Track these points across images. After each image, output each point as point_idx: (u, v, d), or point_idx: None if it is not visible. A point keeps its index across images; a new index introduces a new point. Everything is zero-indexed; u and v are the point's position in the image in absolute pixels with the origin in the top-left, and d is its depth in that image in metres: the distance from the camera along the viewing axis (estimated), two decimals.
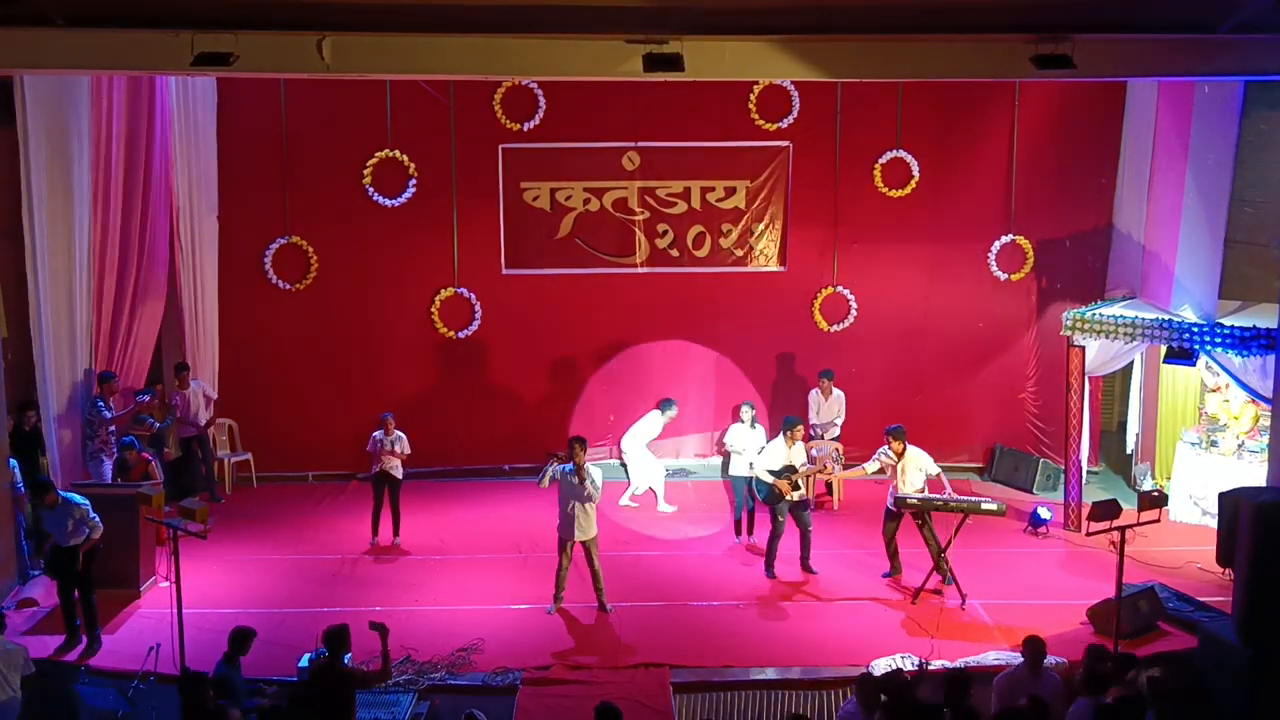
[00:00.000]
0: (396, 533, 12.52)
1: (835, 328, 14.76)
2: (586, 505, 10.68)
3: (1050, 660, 8.70)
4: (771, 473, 11.33)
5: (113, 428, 12.30)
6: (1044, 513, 12.86)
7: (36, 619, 10.58)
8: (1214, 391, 13.12)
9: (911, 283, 14.67)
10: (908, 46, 9.90)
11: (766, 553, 11.66)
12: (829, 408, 13.75)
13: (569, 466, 10.67)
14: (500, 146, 14.27)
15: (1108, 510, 9.71)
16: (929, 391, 14.75)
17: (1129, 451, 14.46)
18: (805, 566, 11.63)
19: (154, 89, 13.03)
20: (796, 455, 11.52)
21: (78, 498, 10.24)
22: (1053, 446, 14.22)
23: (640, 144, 14.32)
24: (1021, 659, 8.46)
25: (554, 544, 10.94)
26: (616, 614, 10.80)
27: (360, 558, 12.15)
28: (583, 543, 10.79)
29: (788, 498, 11.34)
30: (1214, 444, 12.98)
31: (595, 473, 10.72)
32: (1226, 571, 10.62)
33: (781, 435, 11.55)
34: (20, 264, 11.59)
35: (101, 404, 12.29)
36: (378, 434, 12.45)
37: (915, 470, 11.31)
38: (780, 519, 11.48)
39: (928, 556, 11.29)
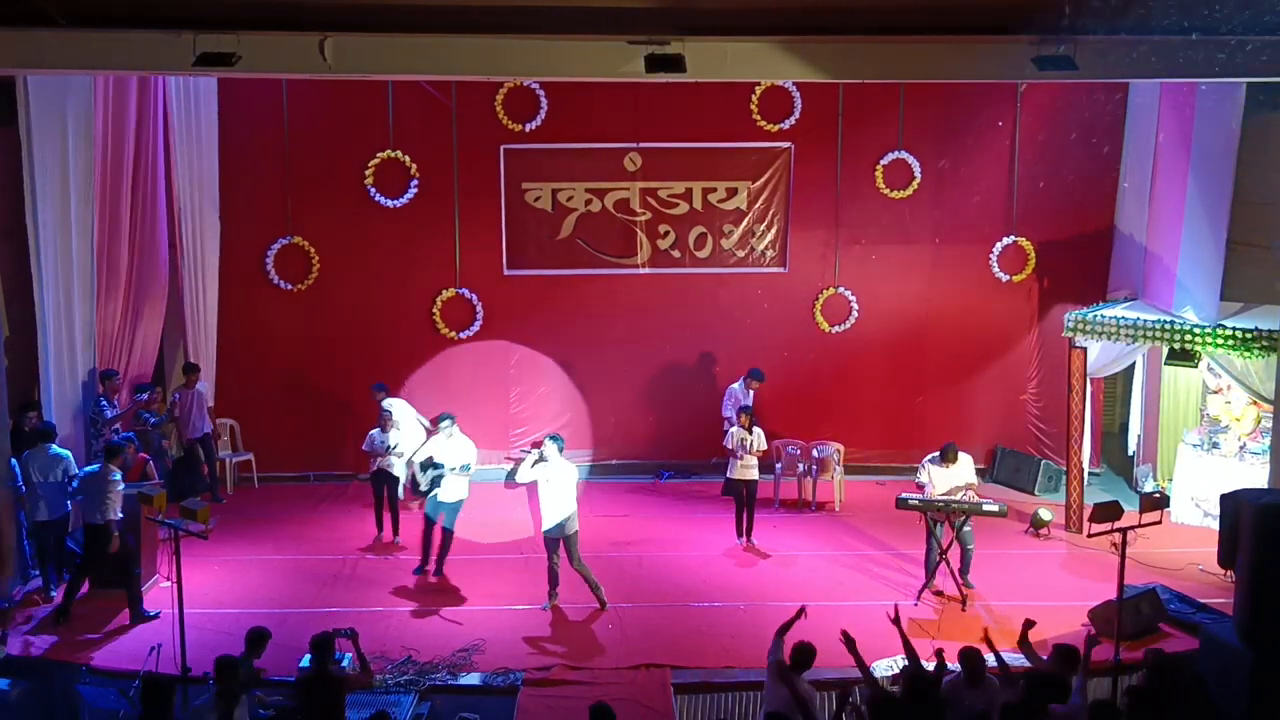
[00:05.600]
0: (396, 531, 12.55)
1: (836, 329, 14.76)
2: (564, 502, 10.69)
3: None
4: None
5: (116, 425, 12.30)
6: (1045, 514, 12.86)
7: (37, 618, 10.59)
8: (1215, 393, 13.12)
9: (913, 284, 14.68)
10: (909, 47, 9.90)
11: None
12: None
13: (545, 464, 10.70)
14: (502, 147, 14.28)
15: (1109, 512, 9.70)
16: (930, 393, 14.74)
17: (1130, 453, 14.46)
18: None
19: (156, 89, 13.05)
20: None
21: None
22: (1054, 448, 14.22)
23: (642, 145, 14.33)
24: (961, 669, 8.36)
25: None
26: (617, 615, 10.79)
27: (361, 558, 12.16)
28: (563, 539, 10.79)
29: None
30: (1215, 445, 12.98)
31: (567, 468, 10.80)
32: (1228, 573, 10.59)
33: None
34: (22, 264, 11.60)
35: (105, 402, 12.31)
36: (375, 432, 12.48)
37: (959, 477, 11.33)
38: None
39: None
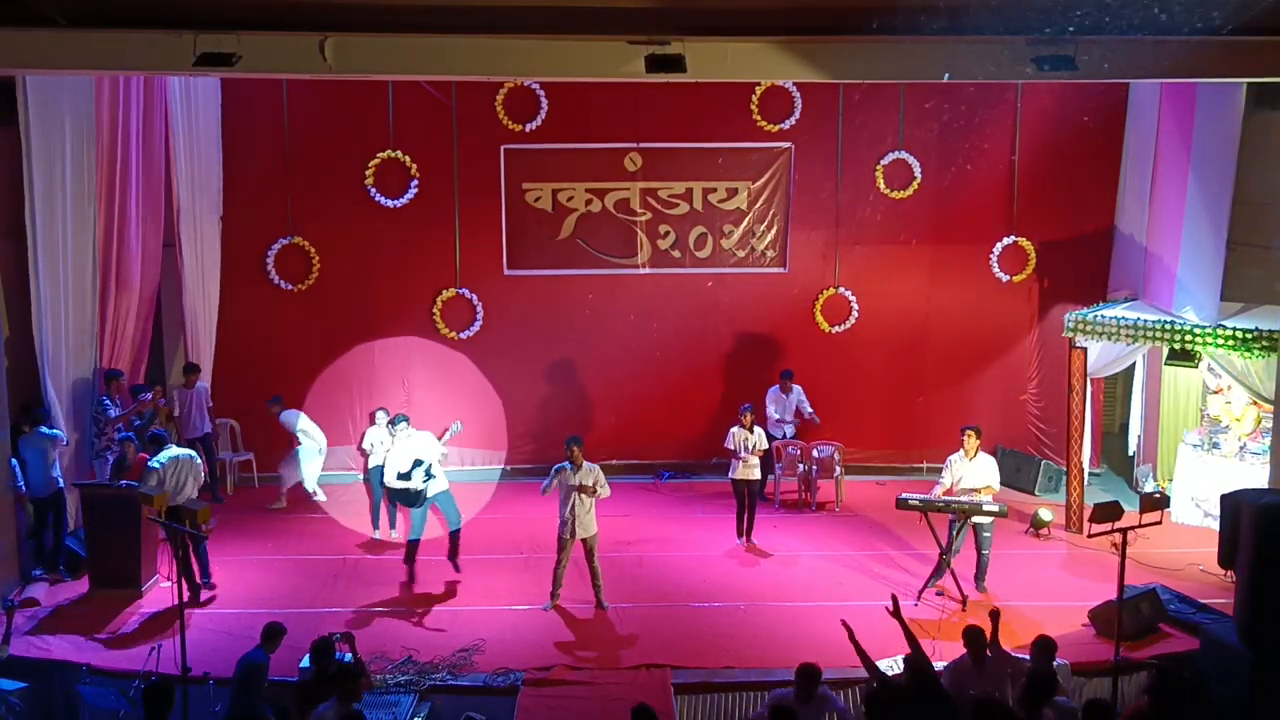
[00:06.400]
0: (393, 525, 12.65)
1: (836, 329, 14.76)
2: (586, 504, 10.70)
3: (1058, 663, 8.69)
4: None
5: (119, 425, 12.30)
6: (1045, 514, 12.85)
7: (38, 618, 10.58)
8: (1216, 393, 13.11)
9: (913, 284, 14.68)
10: (909, 47, 9.89)
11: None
12: (788, 404, 13.86)
13: (567, 465, 10.68)
14: (502, 147, 14.29)
15: (1109, 512, 9.70)
16: (930, 393, 14.74)
17: (1131, 453, 14.46)
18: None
19: (157, 89, 13.05)
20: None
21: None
22: (1054, 448, 14.22)
23: (642, 145, 14.34)
24: (966, 652, 8.40)
25: (555, 544, 10.94)
26: (618, 615, 10.80)
27: (361, 558, 12.16)
28: (583, 540, 10.81)
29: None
30: (1216, 446, 12.98)
31: (595, 470, 10.77)
32: (1228, 574, 10.60)
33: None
34: (22, 264, 11.60)
35: (108, 402, 12.31)
36: (371, 429, 12.53)
37: (978, 476, 11.19)
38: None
39: (934, 559, 11.30)
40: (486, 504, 13.73)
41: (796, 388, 13.95)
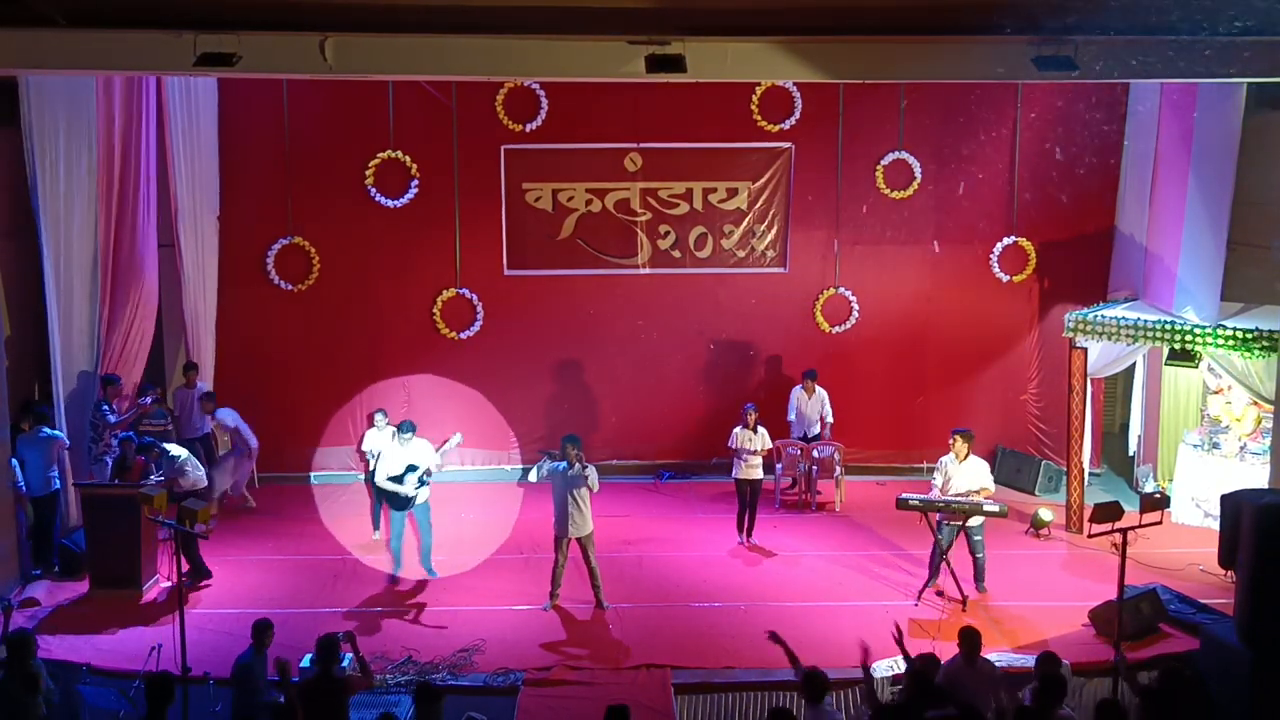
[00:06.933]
0: None
1: (837, 329, 14.76)
2: (581, 502, 10.71)
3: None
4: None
5: (117, 430, 12.28)
6: (1046, 514, 12.85)
7: (38, 618, 10.59)
8: (1216, 393, 13.11)
9: (913, 284, 14.68)
10: (909, 47, 9.90)
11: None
12: (812, 406, 13.81)
13: (563, 465, 10.68)
14: (502, 147, 14.29)
15: (1110, 512, 9.69)
16: (930, 393, 14.74)
17: (1131, 453, 14.46)
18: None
19: (156, 89, 13.04)
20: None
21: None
22: (1055, 448, 14.21)
23: (642, 145, 14.34)
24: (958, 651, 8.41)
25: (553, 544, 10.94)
26: (618, 615, 10.80)
27: (361, 558, 12.16)
28: (578, 540, 10.81)
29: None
30: (1216, 446, 12.98)
31: (589, 468, 10.76)
32: (1228, 574, 10.60)
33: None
34: (22, 263, 11.61)
35: (106, 407, 12.29)
36: (370, 431, 12.52)
37: (969, 479, 11.14)
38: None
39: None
40: (486, 505, 13.74)
41: (821, 390, 13.87)
